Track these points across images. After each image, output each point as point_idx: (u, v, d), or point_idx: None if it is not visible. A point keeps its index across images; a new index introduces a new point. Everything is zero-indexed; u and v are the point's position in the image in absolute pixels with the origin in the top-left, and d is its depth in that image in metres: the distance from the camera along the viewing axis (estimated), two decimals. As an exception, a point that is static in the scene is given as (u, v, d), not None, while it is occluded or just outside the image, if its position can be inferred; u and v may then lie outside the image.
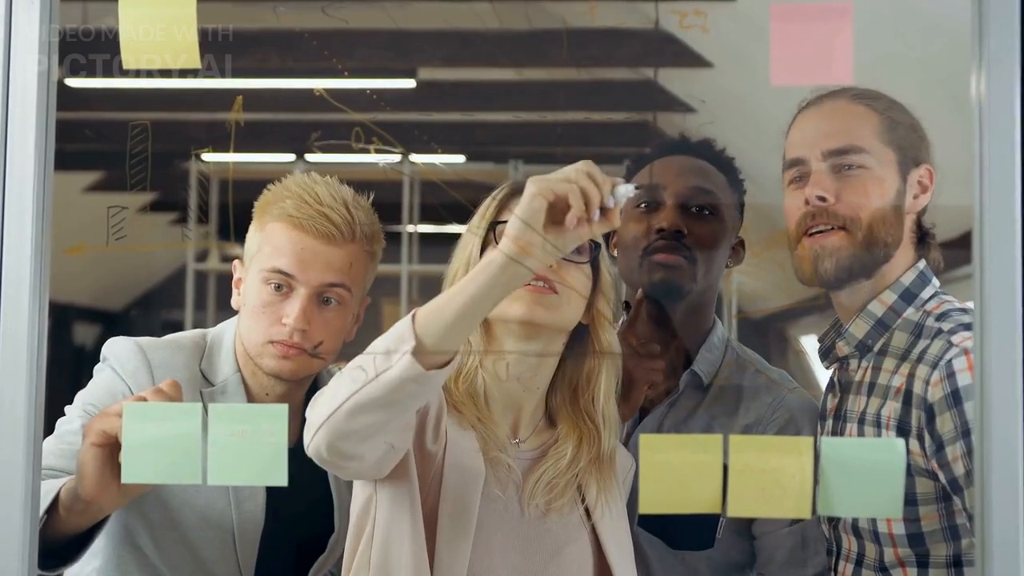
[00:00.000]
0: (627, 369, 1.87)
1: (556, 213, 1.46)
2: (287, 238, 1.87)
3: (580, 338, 1.76)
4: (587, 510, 1.74)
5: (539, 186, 1.45)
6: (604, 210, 1.47)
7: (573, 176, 1.46)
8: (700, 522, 1.95)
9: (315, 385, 1.96)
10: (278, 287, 1.86)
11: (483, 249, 1.74)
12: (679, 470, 1.40)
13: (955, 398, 1.64)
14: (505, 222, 1.73)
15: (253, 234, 1.94)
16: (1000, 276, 1.31)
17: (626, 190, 1.47)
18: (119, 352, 1.92)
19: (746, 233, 2.12)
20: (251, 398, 1.94)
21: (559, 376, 1.77)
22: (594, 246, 1.74)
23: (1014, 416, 1.30)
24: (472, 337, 1.72)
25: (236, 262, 1.98)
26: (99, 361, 1.95)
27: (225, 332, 1.99)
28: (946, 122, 1.88)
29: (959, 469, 1.62)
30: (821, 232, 1.78)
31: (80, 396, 1.91)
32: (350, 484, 1.75)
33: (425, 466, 1.66)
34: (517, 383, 1.73)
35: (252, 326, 1.89)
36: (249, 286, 1.91)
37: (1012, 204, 1.32)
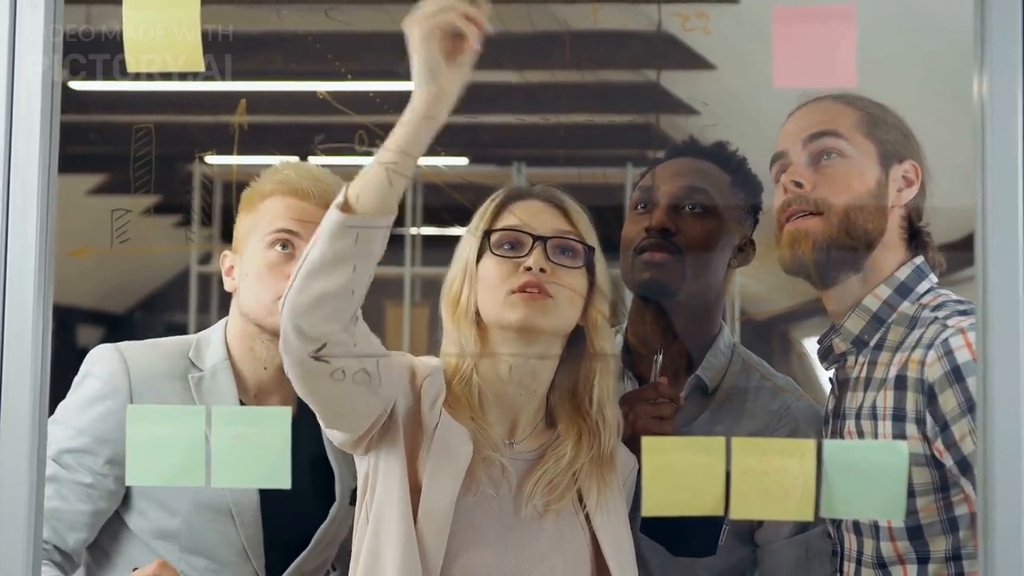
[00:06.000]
0: (632, 422, 1.86)
1: (448, 47, 1.52)
2: (287, 205, 1.93)
3: (578, 339, 1.77)
4: (585, 511, 1.74)
5: (422, 25, 1.51)
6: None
7: (448, 3, 1.51)
8: (703, 529, 1.94)
9: None
10: (284, 246, 1.91)
11: (479, 255, 1.75)
12: (682, 472, 1.40)
13: (956, 375, 1.63)
14: (501, 230, 1.75)
15: (244, 217, 1.98)
16: (1002, 278, 1.31)
17: None
18: (97, 358, 1.95)
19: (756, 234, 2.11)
20: (242, 384, 1.96)
21: (559, 377, 1.78)
22: (587, 249, 1.75)
23: (1016, 416, 1.30)
24: (467, 341, 1.73)
25: (224, 252, 2.01)
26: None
27: (214, 327, 2.02)
28: (949, 122, 1.89)
29: (967, 447, 1.61)
30: (798, 217, 1.80)
31: (53, 438, 1.87)
32: (348, 456, 1.77)
33: (419, 435, 1.68)
34: (517, 386, 1.73)
35: (259, 289, 1.92)
36: (250, 258, 1.94)
37: (1015, 206, 1.32)
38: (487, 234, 1.75)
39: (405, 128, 1.54)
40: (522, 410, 1.76)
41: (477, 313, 1.73)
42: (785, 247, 1.81)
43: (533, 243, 1.72)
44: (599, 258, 1.77)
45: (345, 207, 1.53)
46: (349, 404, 1.61)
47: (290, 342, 1.56)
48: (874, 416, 1.75)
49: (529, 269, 1.69)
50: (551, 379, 1.77)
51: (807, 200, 1.79)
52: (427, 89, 1.53)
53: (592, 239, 1.76)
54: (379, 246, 1.55)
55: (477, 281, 1.74)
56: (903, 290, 1.80)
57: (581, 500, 1.74)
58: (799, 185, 1.80)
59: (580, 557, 1.72)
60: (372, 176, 1.54)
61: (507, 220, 1.76)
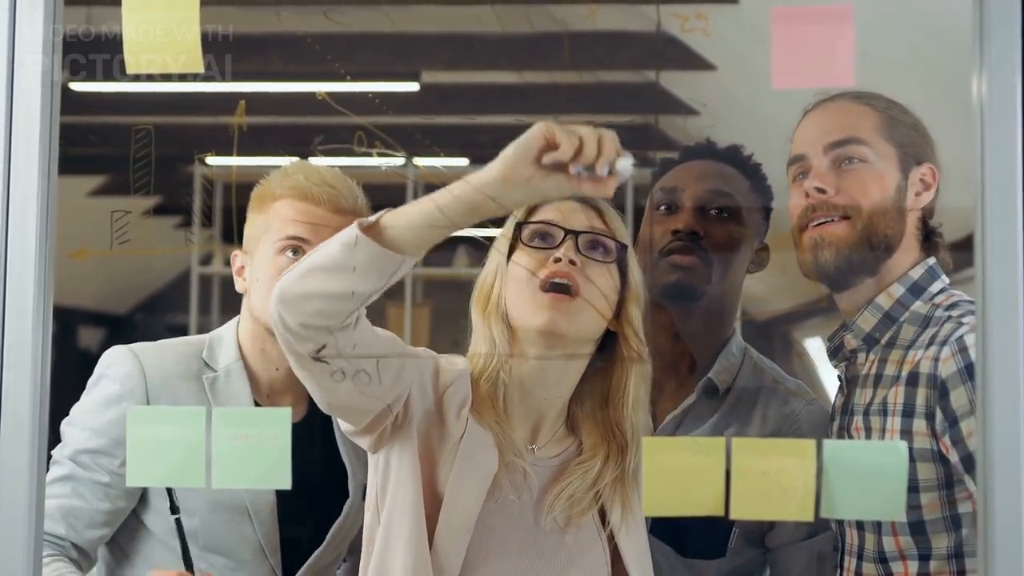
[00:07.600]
0: None
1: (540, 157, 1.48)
2: (297, 209, 1.94)
3: (608, 346, 1.75)
4: (608, 528, 1.72)
5: (543, 125, 1.47)
6: (599, 176, 1.47)
7: (582, 130, 1.47)
8: (713, 531, 1.94)
9: None
10: (295, 251, 1.92)
11: (511, 251, 1.73)
12: (682, 473, 1.40)
13: (969, 371, 1.64)
14: (533, 223, 1.74)
15: (255, 219, 1.98)
16: (1002, 278, 1.31)
17: (624, 165, 1.47)
18: (112, 360, 1.95)
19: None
20: (255, 383, 1.96)
21: (586, 385, 1.75)
22: (620, 246, 1.72)
23: (1015, 416, 1.30)
24: (499, 339, 1.71)
25: (235, 253, 2.01)
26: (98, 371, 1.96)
27: (226, 327, 2.03)
28: (949, 123, 1.89)
29: (973, 444, 1.61)
30: (821, 223, 1.80)
31: (70, 439, 1.91)
32: (361, 451, 1.76)
33: (443, 447, 1.66)
34: (543, 387, 1.72)
35: (269, 295, 1.92)
36: (260, 262, 1.95)
37: (1014, 206, 1.32)
38: (519, 228, 1.73)
39: (464, 188, 1.51)
40: (546, 413, 1.74)
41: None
42: (807, 252, 1.81)
43: (564, 236, 1.70)
44: (632, 257, 1.74)
45: (371, 228, 1.50)
46: (345, 400, 1.60)
47: (280, 334, 1.55)
48: (884, 412, 1.75)
49: (559, 260, 1.67)
50: (577, 382, 1.75)
51: (831, 207, 1.79)
52: (500, 169, 1.48)
53: (626, 238, 1.74)
54: (390, 276, 1.53)
55: (507, 277, 1.71)
56: (916, 289, 1.81)
57: (602, 515, 1.73)
58: (822, 191, 1.80)
59: (599, 568, 1.71)
60: (419, 211, 1.52)
61: (541, 216, 1.74)
